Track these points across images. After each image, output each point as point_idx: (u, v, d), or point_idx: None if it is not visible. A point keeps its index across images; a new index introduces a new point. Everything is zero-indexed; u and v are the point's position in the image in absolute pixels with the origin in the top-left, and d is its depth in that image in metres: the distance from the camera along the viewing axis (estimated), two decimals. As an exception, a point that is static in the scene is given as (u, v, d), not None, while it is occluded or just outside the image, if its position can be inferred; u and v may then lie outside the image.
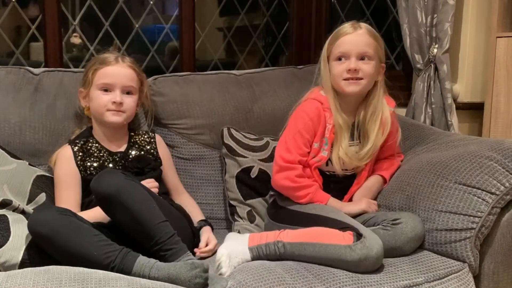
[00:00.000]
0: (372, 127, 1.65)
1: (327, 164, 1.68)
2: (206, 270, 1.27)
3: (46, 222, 1.28)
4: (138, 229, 1.34)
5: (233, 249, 1.42)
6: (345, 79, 1.61)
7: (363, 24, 1.65)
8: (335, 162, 1.64)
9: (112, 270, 1.24)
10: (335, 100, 1.64)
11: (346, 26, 1.64)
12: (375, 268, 1.37)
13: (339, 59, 1.62)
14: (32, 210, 1.51)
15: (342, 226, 1.44)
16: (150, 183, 1.60)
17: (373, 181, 1.71)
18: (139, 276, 1.24)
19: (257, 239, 1.46)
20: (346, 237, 1.39)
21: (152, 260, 1.28)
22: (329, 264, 1.38)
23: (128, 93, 1.68)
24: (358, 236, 1.38)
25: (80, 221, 1.33)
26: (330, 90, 1.65)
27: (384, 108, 1.67)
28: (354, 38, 1.61)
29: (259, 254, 1.43)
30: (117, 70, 1.67)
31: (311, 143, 1.64)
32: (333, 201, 1.63)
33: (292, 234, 1.45)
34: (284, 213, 1.64)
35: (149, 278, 1.23)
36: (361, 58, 1.61)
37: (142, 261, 1.27)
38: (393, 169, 1.74)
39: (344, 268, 1.36)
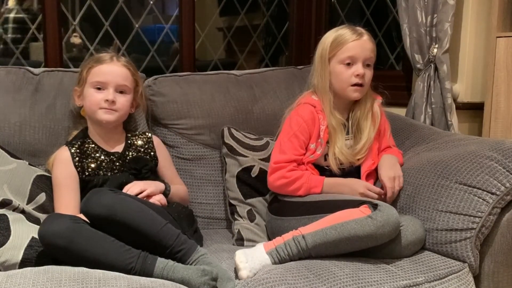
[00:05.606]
0: (365, 123, 1.72)
1: (325, 159, 1.71)
2: (214, 279, 1.29)
3: (61, 233, 1.26)
4: (143, 240, 1.34)
5: (250, 254, 1.40)
6: (352, 85, 1.66)
7: (363, 30, 1.70)
8: (332, 162, 1.68)
9: (134, 274, 1.26)
10: (331, 101, 1.69)
11: (348, 32, 1.68)
12: (395, 234, 1.40)
13: (347, 63, 1.66)
14: (32, 210, 1.51)
15: (356, 204, 1.46)
16: (157, 197, 1.59)
17: (385, 156, 1.73)
18: (161, 278, 1.26)
19: (273, 243, 1.44)
20: (364, 210, 1.41)
21: (170, 262, 1.30)
22: (354, 245, 1.38)
23: (122, 92, 1.67)
24: (374, 206, 1.42)
25: (90, 227, 1.32)
26: (327, 91, 1.69)
27: (374, 103, 1.75)
28: (361, 44, 1.67)
29: (279, 256, 1.39)
30: (112, 69, 1.66)
31: (307, 145, 1.68)
32: (329, 180, 1.65)
33: (309, 227, 1.43)
34: (287, 206, 1.64)
35: (167, 279, 1.26)
36: (365, 64, 1.67)
37: (162, 264, 1.29)
38: (397, 152, 1.77)
39: (369, 244, 1.38)
